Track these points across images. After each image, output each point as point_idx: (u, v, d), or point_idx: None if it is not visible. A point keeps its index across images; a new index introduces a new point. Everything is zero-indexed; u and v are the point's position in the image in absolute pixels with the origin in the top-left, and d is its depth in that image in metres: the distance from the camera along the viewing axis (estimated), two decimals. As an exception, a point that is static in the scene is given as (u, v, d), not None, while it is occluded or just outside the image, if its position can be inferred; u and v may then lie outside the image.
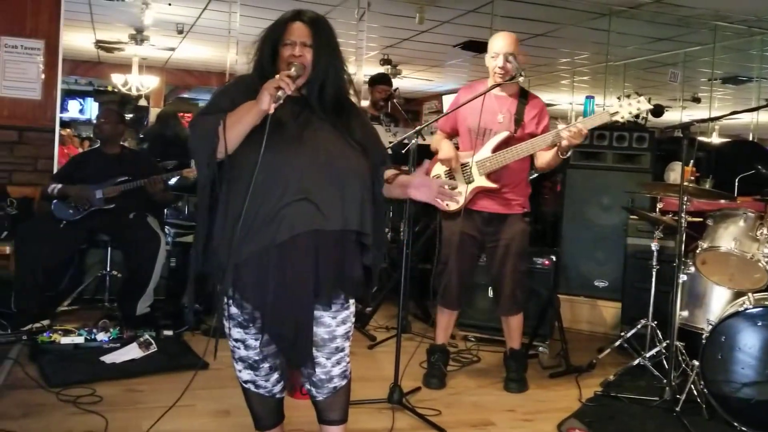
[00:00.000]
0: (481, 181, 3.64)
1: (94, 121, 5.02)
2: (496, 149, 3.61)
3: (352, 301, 2.40)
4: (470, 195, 3.66)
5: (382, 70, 10.56)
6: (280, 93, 2.14)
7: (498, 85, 3.62)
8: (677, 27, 7.64)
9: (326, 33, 2.34)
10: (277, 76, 2.17)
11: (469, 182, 3.66)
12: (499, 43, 3.60)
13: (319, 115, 2.32)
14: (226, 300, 2.33)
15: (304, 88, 2.33)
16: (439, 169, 3.77)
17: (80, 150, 9.78)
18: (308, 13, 2.34)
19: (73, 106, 15.29)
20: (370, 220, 2.34)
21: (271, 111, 2.15)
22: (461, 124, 3.77)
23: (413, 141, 3.46)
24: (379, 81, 6.15)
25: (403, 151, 3.50)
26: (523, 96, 3.72)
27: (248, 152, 2.20)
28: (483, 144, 3.65)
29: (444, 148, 3.71)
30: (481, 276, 4.29)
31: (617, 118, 3.48)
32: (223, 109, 2.25)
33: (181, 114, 9.30)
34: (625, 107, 3.46)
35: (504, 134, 3.62)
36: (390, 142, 4.12)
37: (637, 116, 3.63)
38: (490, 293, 4.52)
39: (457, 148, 3.81)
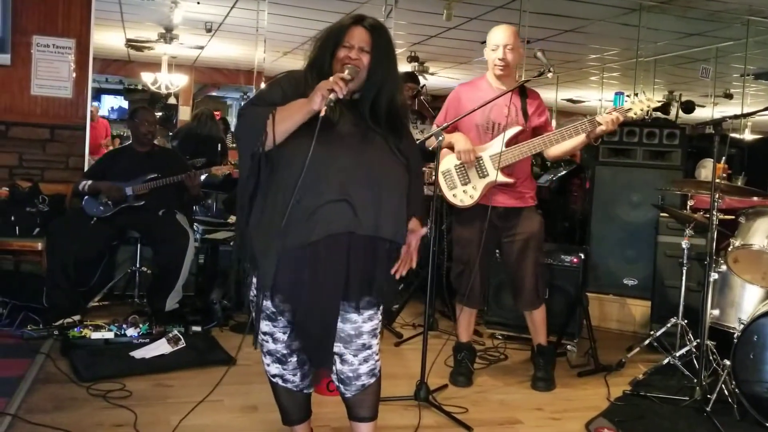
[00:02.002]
0: (496, 176, 3.62)
1: (131, 120, 5.02)
2: (509, 143, 3.59)
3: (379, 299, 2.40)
4: (485, 190, 3.64)
5: (409, 67, 10.57)
6: (332, 96, 2.16)
7: (527, 81, 3.62)
8: (709, 22, 7.54)
9: (385, 41, 2.35)
10: (331, 78, 2.19)
11: (483, 177, 3.63)
12: (500, 35, 3.59)
13: (368, 122, 2.33)
14: (257, 290, 2.34)
15: (357, 93, 2.34)
16: (449, 163, 3.70)
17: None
18: (369, 19, 2.35)
19: (109, 101, 15.54)
20: (404, 231, 2.35)
21: (323, 113, 2.17)
22: (467, 120, 3.70)
23: (440, 138, 3.45)
24: (405, 79, 6.14)
25: (431, 149, 3.48)
26: (522, 90, 3.71)
27: (292, 146, 2.22)
28: (493, 138, 3.63)
29: (460, 140, 3.63)
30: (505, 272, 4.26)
31: (630, 114, 3.53)
32: (274, 102, 2.27)
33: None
34: (637, 104, 3.52)
35: (517, 129, 3.60)
36: (417, 139, 4.10)
37: (661, 109, 3.72)
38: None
39: None
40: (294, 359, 2.45)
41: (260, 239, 2.27)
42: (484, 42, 3.75)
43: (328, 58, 2.33)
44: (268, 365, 2.49)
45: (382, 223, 2.28)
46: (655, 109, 4.82)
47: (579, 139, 3.56)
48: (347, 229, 2.23)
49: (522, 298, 3.80)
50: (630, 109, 3.52)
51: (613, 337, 4.97)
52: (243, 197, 2.33)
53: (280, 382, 2.50)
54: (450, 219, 5.24)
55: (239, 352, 3.94)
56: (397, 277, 2.49)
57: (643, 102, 3.53)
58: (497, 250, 3.88)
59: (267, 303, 2.35)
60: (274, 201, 2.25)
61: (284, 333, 2.39)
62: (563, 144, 3.61)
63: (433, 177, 3.70)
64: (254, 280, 2.35)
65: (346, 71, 2.23)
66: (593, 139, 3.54)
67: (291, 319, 2.34)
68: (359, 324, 2.36)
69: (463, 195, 3.68)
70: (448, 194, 3.72)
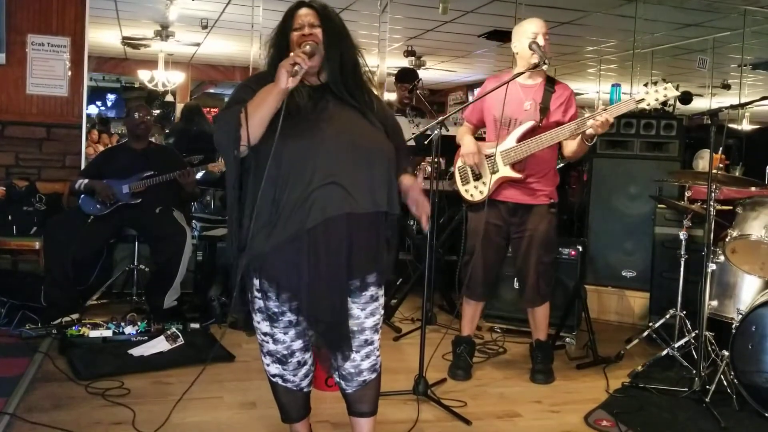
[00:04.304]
0: (505, 171, 3.62)
1: (126, 117, 5.03)
2: (521, 139, 3.58)
3: (381, 293, 2.40)
4: (494, 185, 3.64)
5: (406, 62, 10.55)
6: (296, 68, 2.15)
7: (521, 73, 3.59)
8: (706, 12, 7.53)
9: (333, 16, 2.36)
10: (291, 54, 2.19)
11: (493, 172, 3.63)
12: (536, 24, 3.59)
13: (342, 97, 2.33)
14: (254, 291, 2.34)
15: (323, 74, 2.34)
16: (462, 161, 3.75)
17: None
18: (314, 2, 2.37)
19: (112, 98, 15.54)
20: (397, 199, 2.35)
21: (290, 85, 2.15)
22: (487, 114, 3.74)
23: (436, 132, 3.44)
24: (400, 78, 6.13)
25: (426, 142, 3.48)
26: (550, 84, 3.69)
27: (273, 142, 2.20)
28: (509, 134, 3.62)
29: (466, 143, 3.68)
30: (507, 267, 4.26)
31: (643, 105, 3.46)
32: (245, 101, 2.26)
33: (207, 109, 9.38)
34: (651, 94, 3.43)
35: (529, 124, 3.59)
36: (413, 134, 4.10)
37: (664, 104, 3.61)
38: (516, 284, 4.50)
39: (484, 138, 3.79)
40: (294, 360, 2.44)
41: (258, 239, 2.25)
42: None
43: (283, 50, 2.32)
44: (268, 365, 2.48)
45: (378, 197, 2.28)
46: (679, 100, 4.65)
47: (577, 140, 3.54)
48: (343, 211, 2.22)
49: (524, 295, 3.83)
50: (642, 99, 3.43)
51: (611, 329, 4.97)
52: (232, 201, 2.32)
53: (280, 381, 2.50)
54: (449, 212, 5.26)
55: (239, 350, 3.97)
56: (425, 228, 2.50)
57: (659, 92, 3.42)
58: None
59: (269, 303, 2.33)
60: (265, 198, 2.23)
61: (285, 333, 2.38)
62: (569, 144, 3.60)
63: (429, 172, 3.70)
64: (254, 281, 2.34)
65: (307, 46, 2.23)
66: (587, 139, 3.49)
67: (297, 311, 2.33)
68: (362, 320, 2.36)
69: (474, 190, 3.70)
70: (462, 189, 3.76)
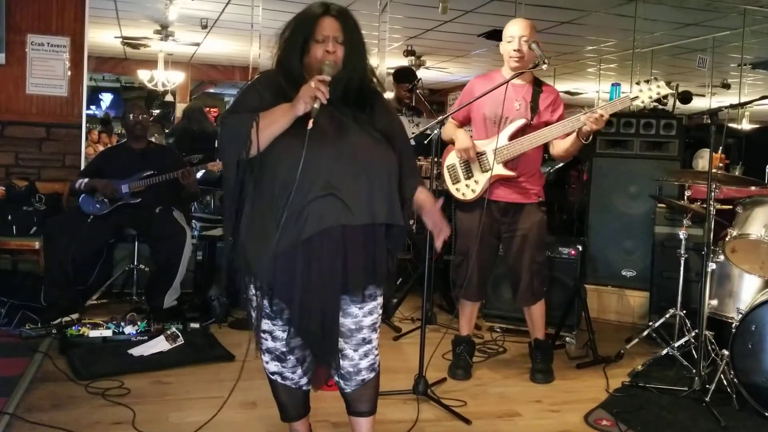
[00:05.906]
0: (498, 170, 3.61)
1: (123, 118, 5.03)
2: (512, 137, 3.58)
3: (379, 292, 2.39)
4: (487, 184, 3.63)
5: (405, 61, 10.54)
6: (316, 105, 2.15)
7: (521, 73, 3.59)
8: (706, 12, 7.53)
9: (355, 27, 2.33)
10: (312, 84, 2.17)
11: (485, 171, 3.63)
12: (515, 28, 3.58)
13: (342, 110, 2.31)
14: (253, 292, 2.34)
15: (329, 85, 2.32)
16: (455, 158, 3.73)
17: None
18: (335, 7, 2.31)
19: (107, 98, 15.53)
20: (400, 211, 2.34)
21: (310, 126, 2.16)
22: (476, 112, 3.73)
23: (435, 131, 3.44)
24: (398, 79, 6.13)
25: (426, 142, 3.47)
26: (537, 84, 3.70)
27: (275, 151, 2.21)
28: (499, 132, 3.62)
29: (460, 137, 3.67)
30: (505, 266, 4.26)
31: (637, 103, 3.48)
32: (254, 107, 2.25)
33: (207, 109, 9.39)
34: (645, 92, 3.46)
35: (521, 122, 3.59)
36: (412, 133, 4.10)
37: (658, 101, 3.62)
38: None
39: (472, 137, 3.79)
40: (293, 357, 2.44)
41: (253, 245, 2.26)
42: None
43: (297, 55, 2.29)
44: (267, 363, 2.49)
45: (377, 209, 2.26)
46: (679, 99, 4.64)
47: (572, 137, 3.54)
48: (339, 223, 2.21)
49: (518, 295, 3.82)
50: (636, 97, 3.44)
51: (611, 329, 4.97)
52: (230, 207, 2.32)
53: (279, 379, 2.50)
54: (449, 212, 5.25)
55: (239, 349, 3.97)
56: (439, 249, 2.50)
57: (652, 90, 3.43)
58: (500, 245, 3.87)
59: (266, 302, 2.34)
60: (262, 205, 2.24)
61: (283, 331, 2.38)
62: (560, 143, 3.60)
63: (430, 171, 3.69)
64: (250, 283, 2.34)
65: (325, 70, 2.22)
66: (583, 137, 3.50)
67: (289, 318, 2.33)
68: (360, 318, 2.36)
69: (465, 189, 3.69)
70: (452, 188, 3.74)
